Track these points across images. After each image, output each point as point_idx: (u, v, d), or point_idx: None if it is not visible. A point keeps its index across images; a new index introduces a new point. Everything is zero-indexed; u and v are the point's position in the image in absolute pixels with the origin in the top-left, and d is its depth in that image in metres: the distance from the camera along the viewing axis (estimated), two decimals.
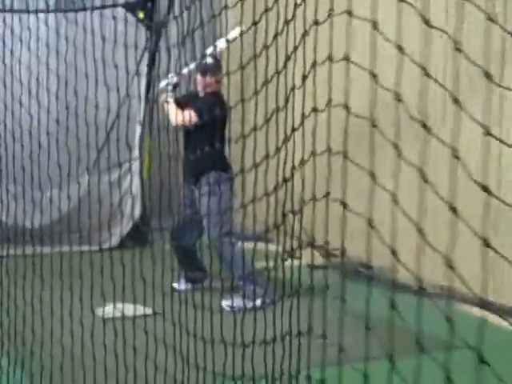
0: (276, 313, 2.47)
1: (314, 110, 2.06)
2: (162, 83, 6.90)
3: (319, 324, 2.14)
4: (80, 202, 4.66)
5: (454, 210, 1.44)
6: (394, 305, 1.78)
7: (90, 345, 3.48)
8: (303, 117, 2.15)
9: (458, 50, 1.61)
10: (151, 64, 8.58)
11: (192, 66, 6.65)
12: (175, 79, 6.68)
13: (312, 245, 2.13)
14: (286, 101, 2.30)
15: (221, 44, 6.36)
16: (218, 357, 2.93)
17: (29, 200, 4.60)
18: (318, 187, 2.11)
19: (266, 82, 2.41)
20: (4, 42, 4.76)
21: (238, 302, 6.16)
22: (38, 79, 4.40)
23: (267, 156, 2.42)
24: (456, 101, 1.54)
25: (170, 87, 6.78)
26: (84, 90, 3.68)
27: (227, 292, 6.09)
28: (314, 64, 2.03)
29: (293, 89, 2.26)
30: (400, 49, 1.76)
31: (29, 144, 4.40)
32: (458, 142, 1.66)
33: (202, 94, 6.83)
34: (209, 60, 6.71)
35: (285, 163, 2.31)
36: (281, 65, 2.30)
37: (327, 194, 2.02)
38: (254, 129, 2.49)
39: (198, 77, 6.88)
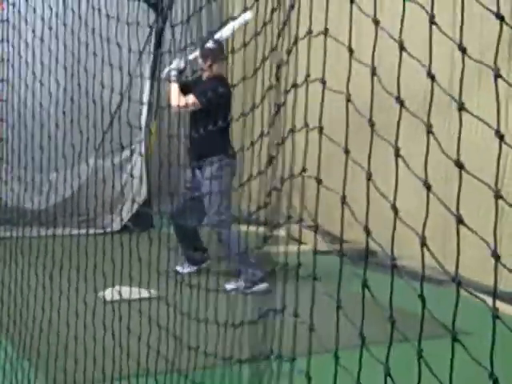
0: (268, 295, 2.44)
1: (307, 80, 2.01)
2: (167, 69, 6.89)
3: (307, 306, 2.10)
4: (84, 185, 4.63)
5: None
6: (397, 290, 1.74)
7: (90, 326, 3.50)
8: (295, 87, 2.10)
9: None
10: (158, 44, 8.54)
11: (198, 51, 6.64)
12: (181, 65, 6.66)
13: (316, 229, 2.05)
14: (277, 78, 2.25)
15: (228, 31, 6.33)
16: (211, 337, 2.90)
17: (32, 182, 4.57)
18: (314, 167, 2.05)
19: (263, 59, 2.36)
20: (8, 20, 4.71)
21: (240, 284, 6.24)
22: (42, 60, 4.35)
23: (261, 135, 2.38)
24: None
25: (174, 72, 6.76)
26: (91, 69, 3.65)
27: (230, 275, 6.16)
28: (310, 32, 1.97)
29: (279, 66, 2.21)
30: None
31: (32, 125, 4.36)
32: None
33: (204, 79, 6.85)
34: (210, 44, 6.70)
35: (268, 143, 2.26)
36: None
37: (303, 170, 1.97)
38: (253, 107, 2.44)
39: (200, 61, 6.90)
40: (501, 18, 1.40)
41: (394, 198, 1.68)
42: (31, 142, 4.30)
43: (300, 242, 2.48)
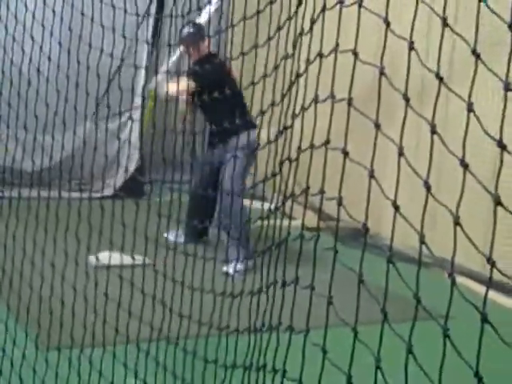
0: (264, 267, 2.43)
1: (320, 55, 2.00)
2: (154, 79, 6.82)
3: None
4: (78, 149, 4.60)
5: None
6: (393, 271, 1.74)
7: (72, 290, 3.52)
8: (308, 63, 2.09)
9: None
10: (160, 7, 8.46)
11: (178, 52, 6.63)
12: (164, 68, 6.57)
13: (305, 205, 2.06)
14: (294, 47, 2.24)
15: (205, 14, 6.33)
16: (205, 307, 2.91)
17: (25, 143, 4.54)
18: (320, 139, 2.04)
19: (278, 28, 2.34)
20: None
21: (238, 266, 6.17)
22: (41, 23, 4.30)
23: (272, 104, 2.36)
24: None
25: (162, 76, 6.69)
26: (87, 34, 3.61)
27: (226, 257, 6.12)
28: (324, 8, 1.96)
29: (301, 34, 2.19)
30: None
31: (26, 87, 4.31)
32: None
33: (191, 65, 6.82)
34: (186, 30, 6.68)
35: (287, 112, 2.25)
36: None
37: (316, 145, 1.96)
38: (264, 76, 2.43)
39: (182, 49, 6.91)
40: None
41: (395, 197, 1.67)
42: (25, 103, 4.25)
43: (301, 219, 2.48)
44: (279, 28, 2.36)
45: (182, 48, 6.96)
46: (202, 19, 6.90)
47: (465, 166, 1.42)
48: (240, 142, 5.68)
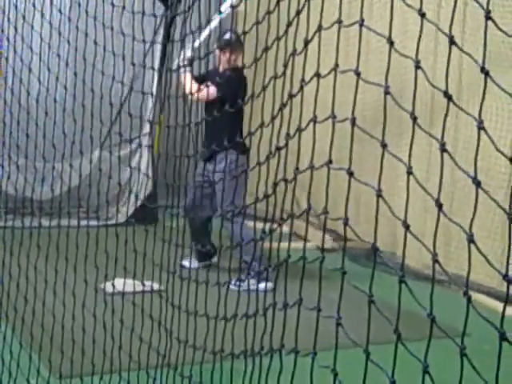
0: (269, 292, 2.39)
1: (318, 75, 1.99)
2: (176, 60, 6.81)
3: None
4: (88, 177, 4.62)
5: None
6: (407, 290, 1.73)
7: (90, 317, 3.55)
8: (302, 82, 2.08)
9: None
10: (167, 35, 8.49)
11: (202, 37, 6.54)
12: (188, 53, 6.54)
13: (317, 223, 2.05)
14: (285, 67, 2.22)
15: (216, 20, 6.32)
16: (218, 332, 2.88)
17: (35, 172, 4.55)
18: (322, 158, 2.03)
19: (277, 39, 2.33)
20: (17, 7, 4.69)
21: (245, 284, 6.15)
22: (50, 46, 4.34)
23: (261, 125, 2.34)
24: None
25: (185, 62, 6.68)
26: (98, 60, 3.64)
27: (234, 274, 6.09)
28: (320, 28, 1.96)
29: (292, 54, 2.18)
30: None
31: (37, 114, 4.34)
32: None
33: (221, 70, 6.75)
34: (228, 35, 6.62)
35: (279, 132, 2.23)
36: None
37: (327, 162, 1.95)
38: (263, 88, 2.41)
39: (217, 52, 6.80)
40: None
41: (406, 212, 1.66)
42: (36, 130, 4.28)
43: (305, 239, 2.47)
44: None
45: (217, 51, 6.85)
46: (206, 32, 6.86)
47: (477, 183, 1.42)
48: (227, 161, 5.74)
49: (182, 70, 6.61)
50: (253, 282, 6.19)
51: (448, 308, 3.79)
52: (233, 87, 5.85)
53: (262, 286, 6.24)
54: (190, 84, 6.35)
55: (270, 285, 6.12)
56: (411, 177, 1.67)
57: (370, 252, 7.69)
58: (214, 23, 5.17)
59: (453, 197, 6.53)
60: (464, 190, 6.19)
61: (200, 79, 6.50)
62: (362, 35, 1.92)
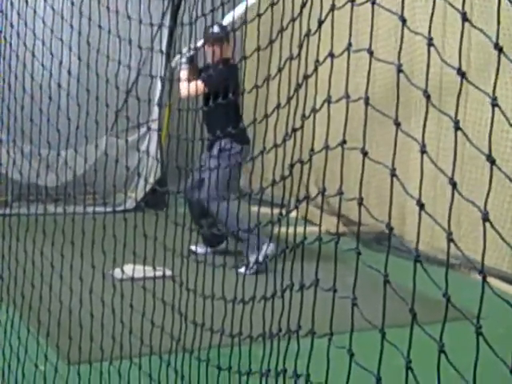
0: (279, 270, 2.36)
1: (331, 55, 1.96)
2: (177, 57, 6.90)
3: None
4: (97, 162, 4.58)
5: None
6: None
7: (98, 302, 3.53)
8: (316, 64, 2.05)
9: None
10: (174, 18, 8.47)
11: (225, 22, 6.66)
12: (190, 52, 6.62)
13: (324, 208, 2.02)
14: (300, 48, 2.19)
15: (230, 16, 6.35)
16: (218, 314, 2.84)
17: (42, 159, 4.53)
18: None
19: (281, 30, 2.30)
20: None
21: (252, 265, 6.16)
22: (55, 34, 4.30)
23: (278, 106, 2.31)
24: None
25: (184, 59, 6.77)
26: (104, 45, 3.61)
27: (240, 259, 6.09)
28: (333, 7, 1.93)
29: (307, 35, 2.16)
30: None
31: (43, 101, 4.31)
32: None
33: (210, 63, 6.93)
34: (214, 29, 6.70)
35: (295, 113, 2.20)
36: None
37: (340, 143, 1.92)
38: (267, 79, 2.38)
39: (206, 47, 6.96)
40: None
41: (420, 190, 1.64)
42: (39, 116, 4.25)
43: (317, 224, 2.43)
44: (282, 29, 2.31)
45: (206, 47, 7.01)
46: (226, 21, 6.86)
47: (492, 161, 1.38)
48: (220, 147, 5.83)
49: (180, 66, 6.75)
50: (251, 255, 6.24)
51: (459, 291, 3.75)
52: (222, 79, 5.87)
53: (263, 248, 6.25)
54: (183, 85, 6.60)
55: (271, 247, 6.16)
56: (423, 157, 1.64)
57: (381, 236, 7.70)
58: (240, 9, 5.13)
59: (462, 180, 6.49)
60: (477, 172, 6.16)
61: (196, 72, 6.76)
62: (370, 17, 1.89)
